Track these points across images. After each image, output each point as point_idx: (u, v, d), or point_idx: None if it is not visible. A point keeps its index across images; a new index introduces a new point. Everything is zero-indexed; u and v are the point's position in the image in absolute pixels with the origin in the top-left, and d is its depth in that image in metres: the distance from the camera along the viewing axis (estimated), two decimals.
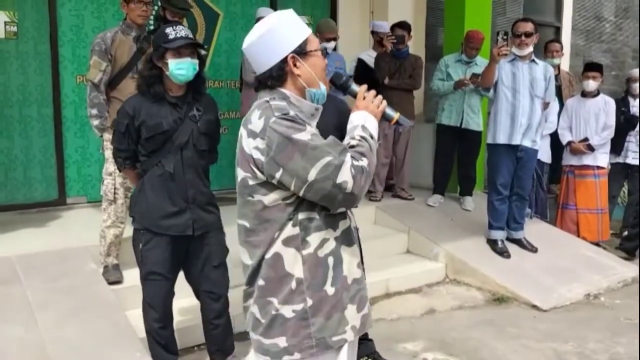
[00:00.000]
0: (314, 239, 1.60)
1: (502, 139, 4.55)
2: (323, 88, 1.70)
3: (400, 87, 5.27)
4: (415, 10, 6.44)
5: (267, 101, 1.64)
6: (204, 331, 2.97)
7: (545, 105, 4.67)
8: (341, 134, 1.71)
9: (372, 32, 5.75)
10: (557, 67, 5.82)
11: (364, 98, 1.68)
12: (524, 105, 4.49)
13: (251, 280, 1.70)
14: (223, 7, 5.56)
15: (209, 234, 2.79)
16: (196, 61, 2.67)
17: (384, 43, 5.42)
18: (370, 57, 5.58)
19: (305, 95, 1.69)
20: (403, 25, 5.35)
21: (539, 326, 3.83)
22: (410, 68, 5.39)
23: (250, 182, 1.62)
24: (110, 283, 3.44)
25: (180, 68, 2.62)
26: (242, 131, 1.67)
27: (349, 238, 1.67)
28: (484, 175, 5.89)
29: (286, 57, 1.63)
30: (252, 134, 1.61)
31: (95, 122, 3.49)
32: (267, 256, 1.62)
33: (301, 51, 1.64)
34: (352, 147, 1.60)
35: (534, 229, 5.14)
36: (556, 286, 4.42)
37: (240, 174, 1.67)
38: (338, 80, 1.79)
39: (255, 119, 1.62)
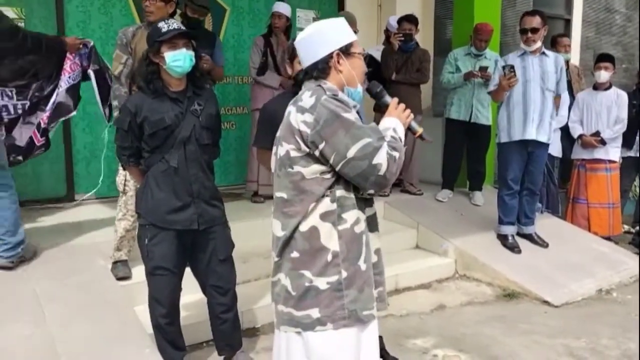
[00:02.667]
0: (350, 215, 1.72)
1: (514, 136, 4.49)
2: (360, 89, 1.86)
3: (408, 82, 5.24)
4: (423, 3, 6.38)
5: (319, 85, 1.79)
6: (212, 326, 2.96)
7: (558, 99, 4.61)
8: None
9: (385, 29, 5.73)
10: (566, 62, 5.75)
11: (396, 108, 1.84)
12: (535, 100, 4.43)
13: (282, 252, 1.79)
14: (230, 3, 5.54)
15: (214, 228, 2.79)
16: (191, 52, 2.68)
17: (391, 40, 5.38)
18: (379, 51, 5.55)
19: (344, 92, 1.84)
20: (410, 19, 5.31)
21: (550, 322, 3.80)
22: (418, 62, 5.35)
23: (292, 154, 1.73)
24: (119, 279, 3.44)
25: (176, 59, 2.63)
26: (291, 108, 1.80)
27: (373, 224, 1.81)
28: (494, 170, 5.84)
29: (332, 53, 1.80)
30: (301, 110, 1.74)
31: (116, 114, 3.49)
32: (303, 229, 1.71)
33: (346, 51, 1.81)
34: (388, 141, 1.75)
35: (545, 224, 5.09)
36: (567, 282, 4.37)
37: (283, 148, 1.78)
38: (374, 89, 1.94)
39: (306, 98, 1.76)
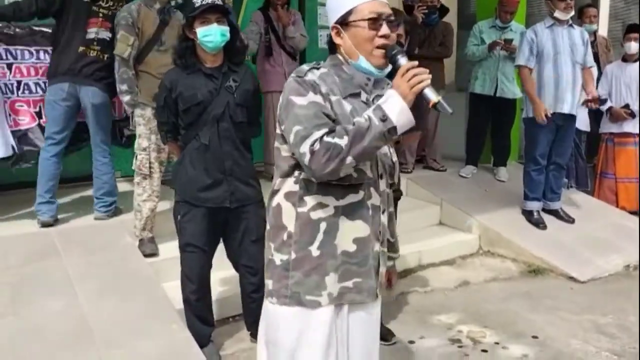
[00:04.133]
0: (310, 200, 1.66)
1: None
2: (362, 59, 1.65)
3: (431, 56, 5.15)
4: None
5: (319, 62, 1.72)
6: (242, 303, 3.00)
7: (588, 71, 4.50)
8: None
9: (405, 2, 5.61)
10: (593, 33, 5.59)
11: (403, 75, 1.55)
12: (567, 72, 4.34)
13: None
14: None
15: (247, 207, 2.77)
16: (225, 28, 2.65)
17: (414, 13, 5.28)
18: None
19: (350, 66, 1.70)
20: None
21: (576, 298, 3.77)
22: (441, 35, 5.25)
23: (277, 131, 1.72)
24: (146, 256, 3.49)
25: (207, 34, 2.61)
26: None
27: (354, 213, 1.67)
28: (519, 145, 5.76)
29: (333, 27, 1.70)
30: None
31: (126, 98, 3.48)
32: (273, 204, 1.74)
33: (343, 21, 1.66)
34: (353, 124, 1.57)
35: (571, 199, 5.02)
36: (594, 257, 4.32)
37: None
38: (390, 52, 1.65)
39: None
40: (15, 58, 3.72)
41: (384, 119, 1.51)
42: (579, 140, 5.36)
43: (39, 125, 3.76)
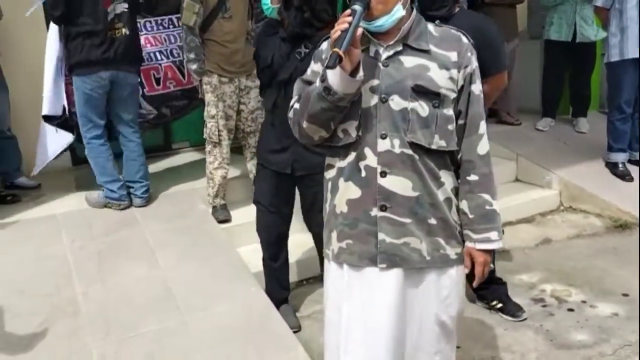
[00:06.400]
0: (327, 160, 1.73)
1: (630, 54, 4.07)
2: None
3: (503, 3, 4.84)
4: None
5: None
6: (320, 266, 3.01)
7: None
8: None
9: None
10: None
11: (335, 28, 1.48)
12: None
13: None
14: None
15: (315, 176, 2.61)
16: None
17: None
18: None
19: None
20: None
21: None
22: None
23: None
24: (220, 222, 3.55)
25: (264, 3, 2.67)
26: None
27: (349, 174, 1.63)
28: (600, 93, 5.39)
29: None
30: None
31: (194, 67, 3.49)
32: None
33: None
34: None
35: None
36: None
37: None
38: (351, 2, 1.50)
39: None
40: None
41: (323, 79, 1.50)
42: None
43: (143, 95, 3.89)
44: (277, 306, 2.80)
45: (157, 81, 3.93)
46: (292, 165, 2.67)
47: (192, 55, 3.47)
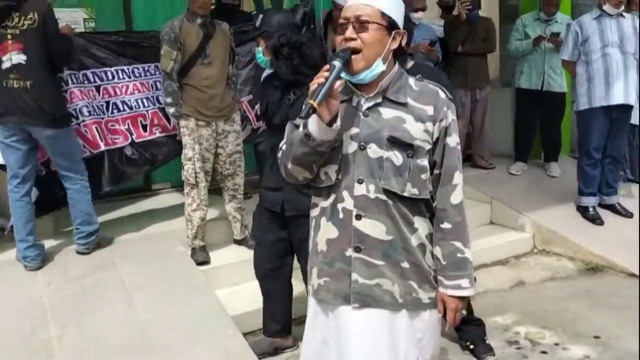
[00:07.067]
0: (312, 199, 1.80)
1: (597, 102, 4.26)
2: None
3: (475, 52, 5.07)
4: None
5: None
6: None
7: None
8: None
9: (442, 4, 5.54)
10: None
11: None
12: (618, 62, 4.19)
13: None
14: None
15: (305, 218, 2.72)
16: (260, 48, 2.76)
17: (458, 10, 5.20)
18: (439, 26, 5.37)
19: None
20: None
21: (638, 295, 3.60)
22: (483, 31, 5.16)
23: None
24: (199, 264, 3.55)
25: (258, 54, 2.79)
26: None
27: (329, 215, 1.71)
28: (570, 139, 5.58)
29: None
30: None
31: (171, 110, 3.58)
32: None
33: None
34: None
35: (629, 193, 4.83)
36: None
37: None
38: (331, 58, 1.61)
39: None
40: (102, 80, 3.85)
41: (305, 125, 1.61)
42: (633, 134, 5.15)
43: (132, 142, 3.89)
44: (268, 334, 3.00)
45: (144, 128, 3.93)
46: (282, 204, 2.73)
47: (169, 100, 3.56)
